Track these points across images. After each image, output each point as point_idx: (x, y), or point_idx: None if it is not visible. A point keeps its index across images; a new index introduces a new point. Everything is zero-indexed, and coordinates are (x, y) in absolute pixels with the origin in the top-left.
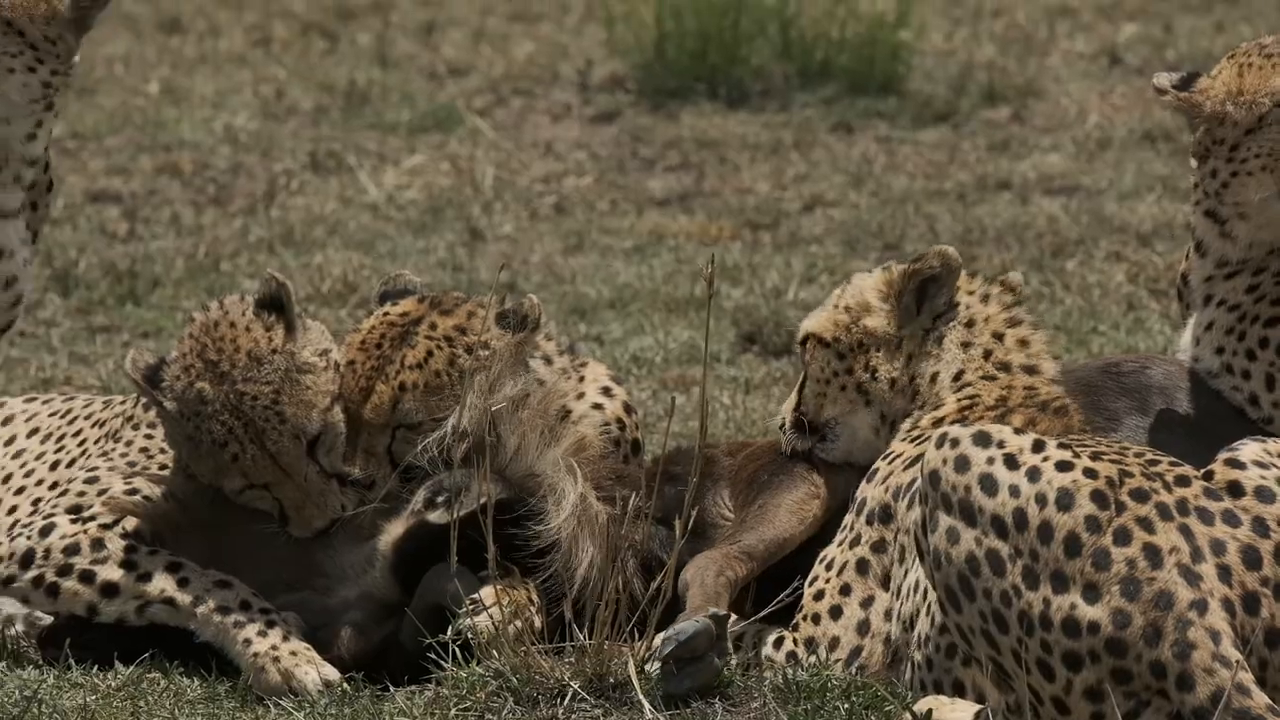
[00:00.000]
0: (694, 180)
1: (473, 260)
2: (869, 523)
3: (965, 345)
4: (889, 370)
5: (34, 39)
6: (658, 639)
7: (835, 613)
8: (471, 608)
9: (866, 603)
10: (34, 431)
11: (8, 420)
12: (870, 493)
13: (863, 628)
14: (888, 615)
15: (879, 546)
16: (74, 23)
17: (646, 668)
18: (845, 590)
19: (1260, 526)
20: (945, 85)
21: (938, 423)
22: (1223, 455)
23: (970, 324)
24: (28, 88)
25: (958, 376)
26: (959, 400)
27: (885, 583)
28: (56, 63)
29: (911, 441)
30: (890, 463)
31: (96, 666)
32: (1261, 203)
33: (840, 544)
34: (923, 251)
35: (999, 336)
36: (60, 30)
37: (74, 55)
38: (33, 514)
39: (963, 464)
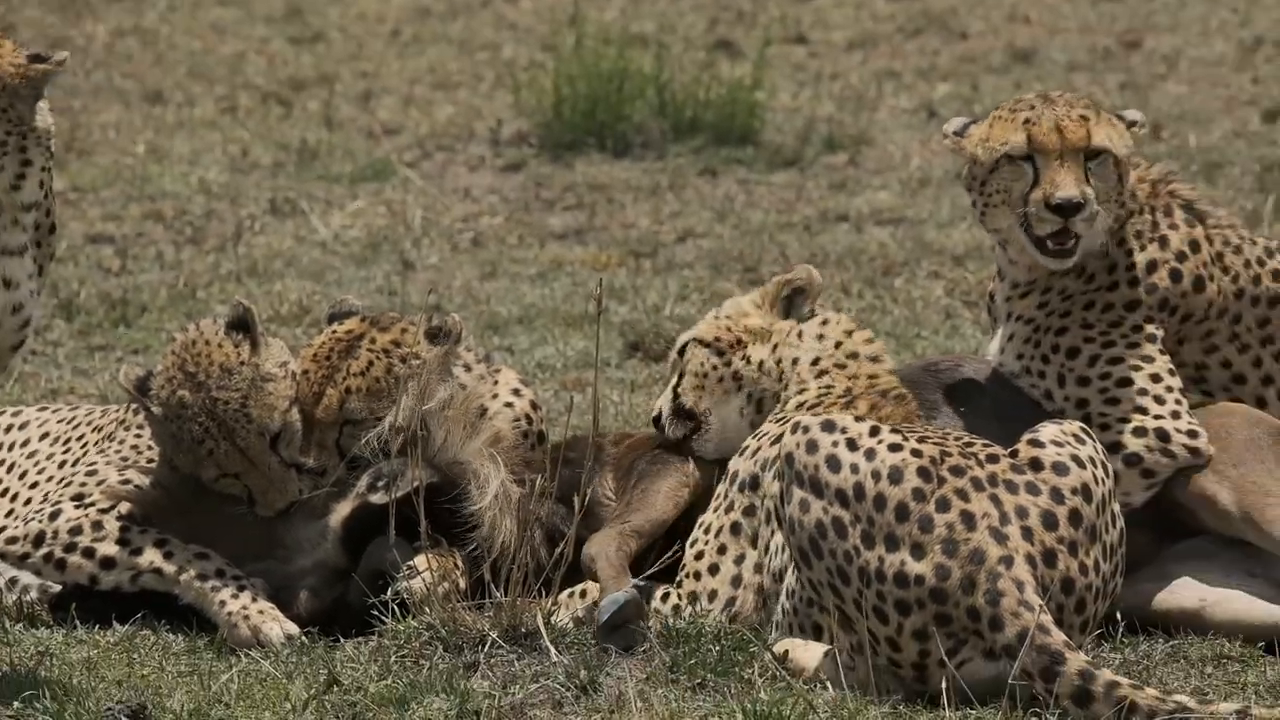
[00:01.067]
0: (587, 217)
1: (405, 287)
2: (740, 491)
3: (820, 338)
4: (759, 355)
5: None
6: (563, 603)
7: (713, 570)
8: (407, 573)
9: (739, 560)
10: (45, 435)
11: (24, 426)
12: (741, 465)
13: (736, 581)
14: (757, 569)
15: (749, 511)
16: (20, 92)
17: (553, 620)
18: (721, 550)
19: (1057, 495)
20: (793, 136)
21: (799, 407)
22: (1026, 436)
23: (825, 323)
24: None
25: (815, 362)
26: (818, 386)
27: (754, 542)
28: (10, 125)
29: (777, 422)
30: (759, 440)
31: (97, 626)
32: (1009, 229)
33: (716, 510)
34: (792, 267)
35: (848, 333)
36: (9, 100)
37: (29, 119)
38: (43, 503)
39: (812, 447)
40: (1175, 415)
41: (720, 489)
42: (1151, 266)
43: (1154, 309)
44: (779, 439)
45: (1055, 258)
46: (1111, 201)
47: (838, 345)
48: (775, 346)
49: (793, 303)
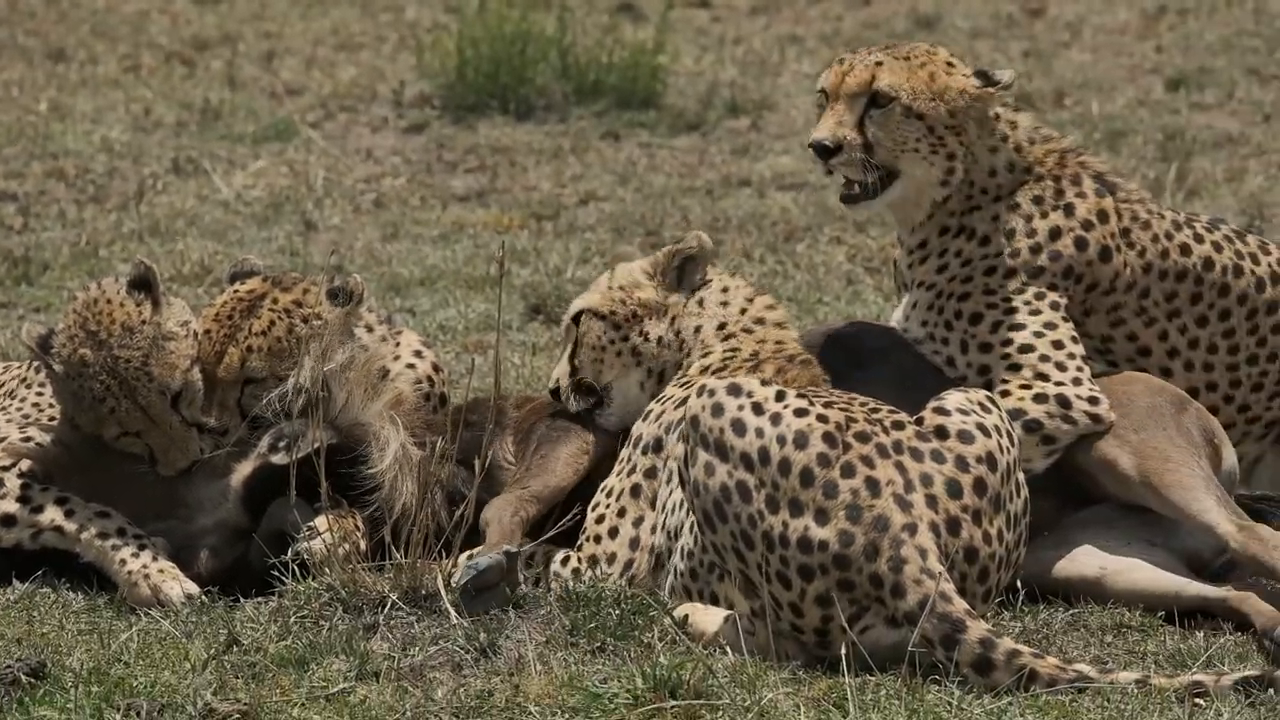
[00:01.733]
0: (489, 180)
1: (307, 247)
2: (643, 453)
3: (724, 305)
4: (657, 331)
5: None
6: (459, 567)
7: (613, 533)
8: (308, 534)
9: (638, 522)
10: None
11: None
12: (645, 429)
13: (634, 543)
14: (654, 530)
15: (650, 473)
16: None
17: (452, 582)
18: (621, 513)
19: (962, 463)
20: (695, 100)
21: (704, 370)
22: (932, 404)
23: (725, 289)
24: None
25: (721, 326)
26: (724, 350)
27: (654, 503)
28: None
29: (680, 386)
30: (662, 404)
31: None
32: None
33: (618, 474)
34: (681, 236)
35: (749, 300)
36: None
37: None
38: None
39: (718, 410)
40: (1076, 382)
41: (624, 453)
42: (1055, 233)
43: (1058, 276)
44: (683, 402)
45: (845, 203)
46: (916, 152)
47: (742, 311)
48: (673, 319)
49: (684, 271)
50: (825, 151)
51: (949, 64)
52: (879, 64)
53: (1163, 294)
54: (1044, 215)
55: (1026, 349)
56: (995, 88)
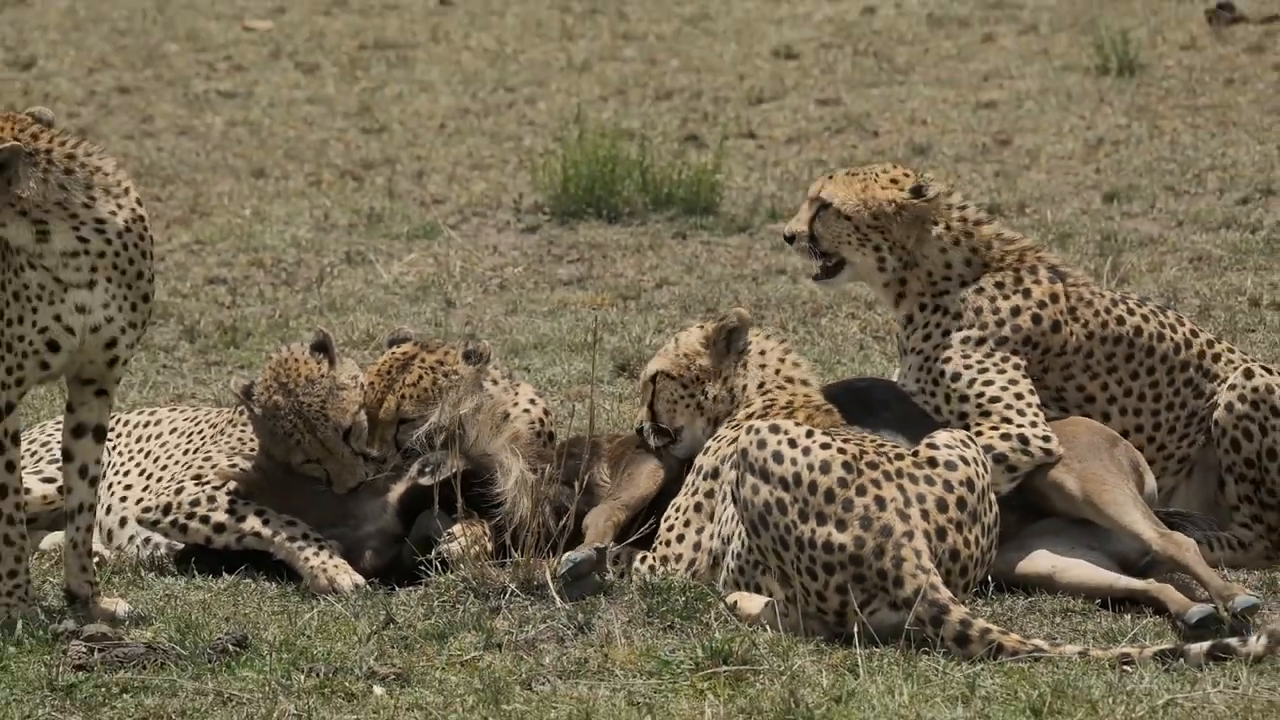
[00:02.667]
0: (586, 269)
1: (447, 320)
2: (704, 479)
3: (762, 366)
4: (714, 390)
5: None
6: (561, 561)
7: (680, 539)
8: (447, 538)
9: (699, 531)
10: (173, 430)
11: (157, 422)
12: (705, 461)
13: (696, 547)
14: (712, 537)
15: (709, 494)
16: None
17: (556, 574)
18: (686, 524)
19: (948, 485)
20: (744, 209)
21: (749, 416)
22: (925, 441)
23: (763, 352)
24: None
25: (761, 385)
26: (763, 401)
27: (711, 517)
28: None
29: (731, 428)
30: (718, 442)
31: (210, 576)
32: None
33: (684, 494)
34: (726, 313)
35: (781, 360)
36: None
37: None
38: (170, 481)
39: (762, 444)
40: (1034, 424)
41: (689, 479)
42: (1016, 311)
43: (1019, 344)
44: (734, 440)
45: (814, 281)
46: (849, 244)
47: (777, 371)
48: (725, 379)
49: (731, 340)
50: (788, 239)
51: (891, 180)
52: (830, 178)
53: (1103, 355)
54: (1006, 297)
55: (995, 400)
56: (921, 199)
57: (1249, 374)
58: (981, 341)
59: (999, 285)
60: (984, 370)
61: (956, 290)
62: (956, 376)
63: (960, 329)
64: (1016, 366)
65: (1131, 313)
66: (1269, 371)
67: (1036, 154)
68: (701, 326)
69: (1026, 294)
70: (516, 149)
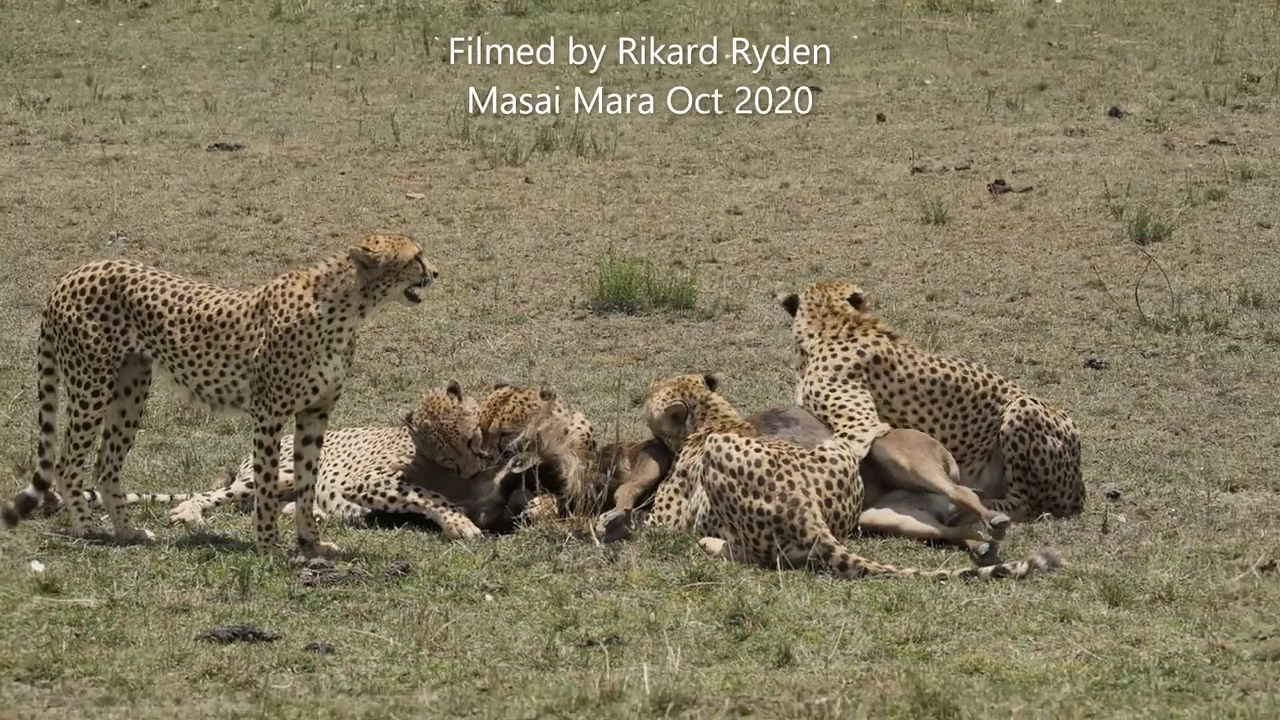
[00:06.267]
0: (614, 342)
1: (530, 373)
2: (681, 474)
3: (704, 416)
4: (681, 437)
5: None
6: (600, 520)
7: (667, 505)
8: (530, 506)
9: (680, 505)
10: (364, 440)
11: (355, 435)
12: (681, 462)
13: (679, 511)
14: (688, 506)
15: (685, 482)
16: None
17: (597, 528)
18: (672, 498)
19: (834, 473)
20: (710, 306)
21: (698, 439)
22: (817, 445)
23: (707, 404)
24: None
25: (709, 424)
26: (708, 428)
27: (688, 495)
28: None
29: (695, 442)
30: (688, 451)
31: (386, 529)
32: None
33: (670, 481)
34: (678, 401)
35: (718, 408)
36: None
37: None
38: (362, 471)
39: (719, 448)
40: (875, 426)
41: (672, 472)
42: (861, 352)
43: (864, 375)
44: (695, 452)
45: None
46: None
47: (715, 415)
48: (682, 431)
49: (677, 417)
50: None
51: (840, 293)
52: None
53: (924, 391)
54: (860, 351)
55: (849, 413)
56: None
57: (1023, 402)
58: (837, 372)
59: (853, 339)
60: (838, 395)
61: (827, 342)
62: (825, 396)
63: (820, 370)
64: (861, 390)
65: (944, 364)
66: (1035, 401)
67: (886, 271)
68: (665, 400)
69: (863, 347)
70: (572, 270)
